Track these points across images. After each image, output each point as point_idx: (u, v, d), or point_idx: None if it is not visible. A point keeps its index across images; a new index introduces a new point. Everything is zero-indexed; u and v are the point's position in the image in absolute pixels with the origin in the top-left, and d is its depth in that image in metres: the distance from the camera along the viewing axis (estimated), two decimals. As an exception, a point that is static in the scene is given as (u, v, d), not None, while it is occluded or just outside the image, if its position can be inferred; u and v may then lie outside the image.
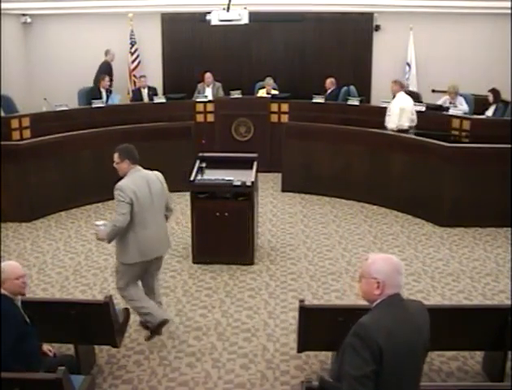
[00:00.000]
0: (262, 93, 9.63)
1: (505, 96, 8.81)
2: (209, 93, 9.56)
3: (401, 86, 7.89)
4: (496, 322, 3.92)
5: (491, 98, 8.43)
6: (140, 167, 4.46)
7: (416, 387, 2.51)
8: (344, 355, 2.38)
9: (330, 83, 9.76)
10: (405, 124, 7.68)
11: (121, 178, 4.37)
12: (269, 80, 9.61)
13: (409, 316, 2.45)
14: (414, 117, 7.76)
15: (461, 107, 8.53)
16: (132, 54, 10.57)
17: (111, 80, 10.10)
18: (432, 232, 6.79)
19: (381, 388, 2.32)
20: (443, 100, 8.87)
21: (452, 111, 8.31)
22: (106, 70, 10.18)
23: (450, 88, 8.82)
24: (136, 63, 10.61)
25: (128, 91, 10.47)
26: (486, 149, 6.89)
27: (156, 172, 4.59)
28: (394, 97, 7.86)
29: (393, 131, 7.64)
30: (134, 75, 10.52)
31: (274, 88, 9.62)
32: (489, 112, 8.44)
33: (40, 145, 7.22)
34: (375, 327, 2.34)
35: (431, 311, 4.12)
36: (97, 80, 9.71)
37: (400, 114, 7.65)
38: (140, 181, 4.36)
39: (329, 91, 9.60)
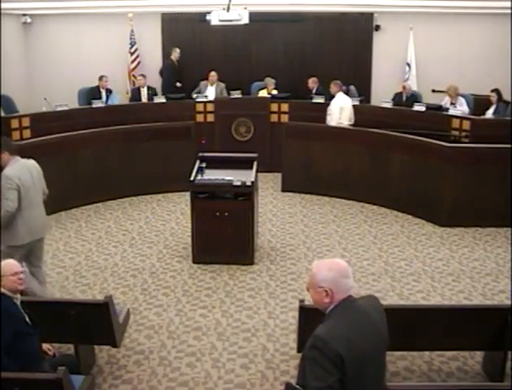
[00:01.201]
0: (262, 93, 9.63)
1: (506, 96, 8.81)
2: (212, 92, 9.56)
3: (340, 87, 8.40)
4: (496, 322, 3.92)
5: (494, 98, 8.42)
6: (18, 157, 4.83)
7: (381, 383, 2.50)
8: (305, 369, 2.33)
9: (312, 82, 9.79)
10: (345, 123, 8.11)
11: (1, 169, 4.71)
12: (270, 80, 9.60)
13: (365, 317, 2.43)
14: (353, 116, 8.21)
15: (460, 108, 8.53)
16: (132, 53, 10.56)
17: (179, 81, 10.13)
18: (432, 232, 6.79)
19: None
20: (444, 101, 8.87)
21: (452, 111, 8.31)
22: (172, 69, 10.19)
23: (449, 89, 8.82)
24: (135, 63, 10.61)
25: (127, 91, 10.47)
26: (486, 149, 6.89)
27: (32, 160, 5.00)
28: (333, 97, 8.27)
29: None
30: (133, 75, 10.52)
31: (275, 88, 9.61)
32: (490, 112, 8.43)
33: (40, 145, 7.21)
34: (333, 336, 2.29)
35: (432, 311, 4.18)
36: (167, 81, 9.86)
37: (340, 112, 8.11)
38: (22, 169, 4.79)
39: (314, 90, 9.63)
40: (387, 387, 2.61)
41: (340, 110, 8.12)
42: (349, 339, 2.29)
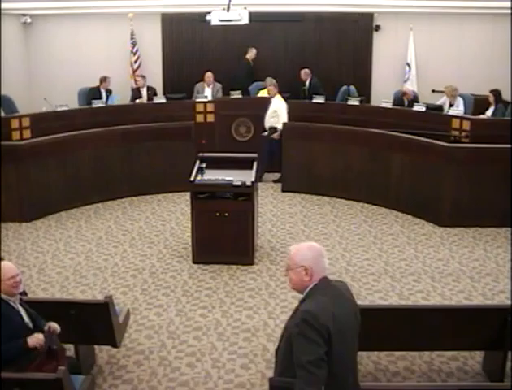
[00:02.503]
0: (262, 93, 9.63)
1: (506, 96, 8.81)
2: (208, 94, 9.55)
3: (277, 89, 8.60)
4: (496, 322, 3.92)
5: (492, 99, 8.41)
6: None
7: (356, 359, 2.69)
8: (294, 345, 2.46)
9: (304, 74, 9.79)
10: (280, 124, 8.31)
11: None
12: (270, 80, 9.60)
13: (341, 295, 2.62)
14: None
15: (456, 108, 8.49)
16: (135, 54, 10.55)
17: (254, 81, 10.03)
18: (432, 232, 6.79)
19: (332, 368, 2.45)
20: (442, 100, 8.85)
21: (452, 111, 8.29)
22: (247, 69, 10.14)
23: (447, 90, 8.81)
24: (138, 63, 10.59)
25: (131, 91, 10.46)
26: (486, 149, 6.89)
27: None
28: (272, 98, 8.52)
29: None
30: (136, 76, 10.49)
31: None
32: (489, 112, 8.43)
33: (40, 145, 7.22)
34: (321, 311, 2.46)
35: (432, 311, 4.19)
36: (243, 81, 9.79)
37: (276, 114, 8.36)
38: None
39: (307, 82, 9.60)
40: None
41: (278, 112, 8.36)
42: (335, 314, 2.48)
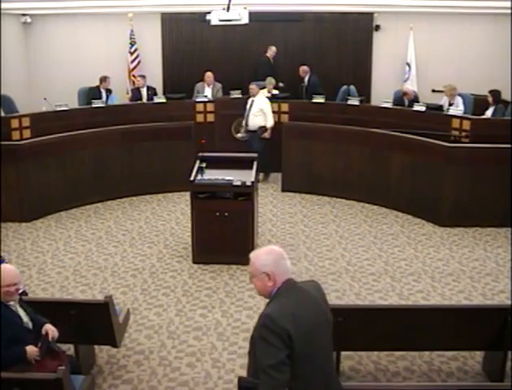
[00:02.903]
0: (263, 92, 9.62)
1: (506, 96, 8.81)
2: (208, 93, 9.55)
3: (259, 89, 8.61)
4: (496, 322, 3.92)
5: (490, 100, 8.41)
6: None
7: (329, 358, 2.65)
8: (255, 349, 2.46)
9: (302, 71, 9.79)
10: (268, 123, 8.40)
11: None
12: (270, 80, 9.59)
13: (307, 295, 2.59)
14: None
15: (455, 108, 8.48)
16: (132, 53, 10.55)
17: (282, 81, 9.96)
18: (432, 232, 6.79)
19: (296, 370, 2.43)
20: (443, 100, 8.85)
21: (452, 111, 8.29)
22: (267, 67, 10.08)
23: (446, 89, 8.81)
24: (135, 63, 10.59)
25: (126, 91, 10.46)
26: (486, 149, 6.89)
27: None
28: (254, 97, 8.46)
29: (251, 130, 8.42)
30: (133, 75, 10.50)
31: (275, 88, 9.61)
32: (489, 112, 8.42)
33: (40, 145, 7.22)
34: (281, 314, 2.44)
35: (432, 311, 4.18)
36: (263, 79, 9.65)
37: (261, 113, 8.38)
38: None
39: (306, 79, 9.60)
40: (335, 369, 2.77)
41: (261, 112, 8.38)
42: (295, 315, 2.45)
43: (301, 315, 2.47)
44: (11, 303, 3.40)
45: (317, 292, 2.66)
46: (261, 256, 2.59)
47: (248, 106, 8.47)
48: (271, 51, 10.28)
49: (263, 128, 8.39)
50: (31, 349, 3.33)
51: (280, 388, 2.39)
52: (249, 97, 8.55)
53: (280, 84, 9.91)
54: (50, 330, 3.44)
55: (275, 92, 9.51)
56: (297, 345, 2.41)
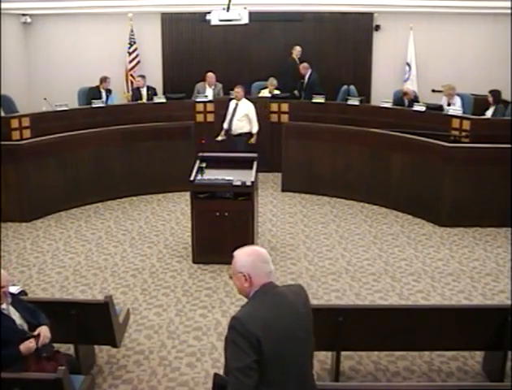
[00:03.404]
0: (264, 93, 9.63)
1: (506, 96, 8.81)
2: (210, 94, 9.55)
3: (245, 92, 8.34)
4: (496, 322, 3.92)
5: (490, 100, 8.41)
6: None
7: (304, 364, 2.57)
8: (227, 350, 2.45)
9: (303, 68, 9.79)
10: (254, 128, 8.17)
11: None
12: (272, 80, 9.59)
13: (285, 301, 2.53)
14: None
15: (454, 107, 8.47)
16: (130, 53, 10.55)
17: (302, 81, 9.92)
18: (432, 232, 6.79)
19: (267, 376, 2.39)
20: (443, 100, 8.86)
21: (451, 111, 8.29)
22: (294, 67, 10.02)
23: (445, 89, 8.80)
24: (134, 63, 10.58)
25: (124, 91, 10.47)
26: (486, 149, 6.89)
27: None
28: (238, 101, 8.18)
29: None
30: (132, 75, 10.50)
31: (277, 88, 9.61)
32: (489, 112, 8.43)
33: (40, 145, 7.22)
34: (251, 319, 2.41)
35: (432, 311, 4.18)
36: (292, 80, 9.62)
37: (246, 118, 8.13)
38: None
39: (306, 77, 9.59)
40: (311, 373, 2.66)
41: (246, 116, 8.14)
42: (265, 319, 2.41)
43: (272, 320, 2.43)
44: (3, 306, 3.36)
45: (296, 297, 2.59)
46: (241, 256, 2.58)
47: (231, 110, 8.21)
48: (296, 51, 10.22)
49: (249, 135, 8.17)
50: (25, 346, 3.30)
51: None
52: (232, 99, 8.31)
53: (295, 93, 9.73)
54: (43, 335, 3.39)
55: (277, 92, 9.52)
56: (267, 350, 2.37)
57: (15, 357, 3.29)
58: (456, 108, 8.37)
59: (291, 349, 2.46)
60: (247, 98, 8.37)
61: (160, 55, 10.82)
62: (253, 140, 8.19)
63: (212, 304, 5.19)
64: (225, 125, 8.30)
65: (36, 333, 3.40)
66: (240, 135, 8.18)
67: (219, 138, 8.27)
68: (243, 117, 8.15)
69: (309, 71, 9.83)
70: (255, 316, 2.42)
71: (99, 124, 7.96)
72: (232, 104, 8.23)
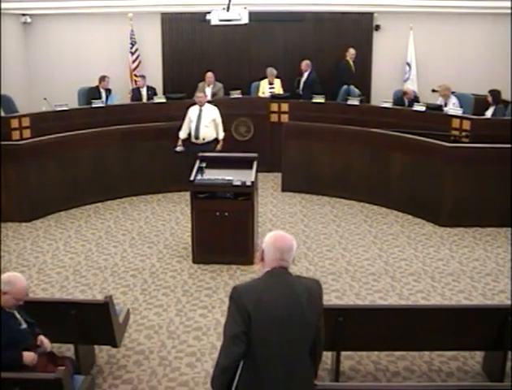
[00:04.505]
0: (263, 83, 9.63)
1: (506, 96, 8.80)
2: (209, 93, 9.55)
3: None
4: (496, 322, 3.92)
5: (490, 100, 8.41)
6: None
7: (296, 351, 2.61)
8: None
9: (305, 65, 9.78)
10: (221, 134, 7.65)
11: None
12: (272, 70, 9.56)
13: (287, 287, 2.62)
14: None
15: (452, 107, 8.45)
16: (133, 53, 10.56)
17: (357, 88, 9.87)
18: (432, 232, 6.79)
19: (254, 351, 2.55)
20: (439, 101, 8.85)
21: (451, 111, 8.29)
22: (349, 70, 10.02)
23: (440, 89, 8.79)
24: (136, 63, 10.60)
25: (128, 91, 10.45)
26: (486, 149, 6.89)
27: None
28: (202, 107, 7.60)
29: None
30: (135, 75, 10.51)
31: (277, 77, 9.59)
32: (489, 112, 8.42)
33: (40, 145, 7.22)
34: (247, 293, 2.58)
35: (432, 311, 4.18)
36: (345, 82, 9.61)
37: (213, 124, 7.60)
38: None
39: (306, 74, 9.58)
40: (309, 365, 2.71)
41: (213, 121, 7.60)
42: (260, 299, 2.55)
43: (268, 301, 2.54)
44: (13, 311, 3.39)
45: (303, 289, 2.63)
46: (268, 235, 2.71)
47: (195, 117, 7.55)
48: (350, 54, 10.15)
49: (215, 141, 7.61)
50: (28, 355, 3.33)
51: (232, 359, 2.53)
52: (192, 105, 7.70)
53: (359, 97, 9.36)
54: (46, 342, 3.49)
55: (277, 81, 9.48)
56: (254, 328, 2.52)
57: (15, 362, 3.30)
58: (453, 107, 8.37)
59: (279, 334, 2.56)
60: (209, 102, 7.99)
61: (160, 55, 10.81)
62: (219, 147, 7.58)
63: (212, 304, 5.19)
64: (182, 134, 7.64)
65: (39, 342, 3.46)
66: (208, 142, 7.54)
67: (178, 149, 7.58)
68: (210, 123, 7.54)
69: (309, 70, 9.83)
70: (252, 291, 2.58)
71: (99, 124, 7.96)
72: (195, 110, 7.60)
